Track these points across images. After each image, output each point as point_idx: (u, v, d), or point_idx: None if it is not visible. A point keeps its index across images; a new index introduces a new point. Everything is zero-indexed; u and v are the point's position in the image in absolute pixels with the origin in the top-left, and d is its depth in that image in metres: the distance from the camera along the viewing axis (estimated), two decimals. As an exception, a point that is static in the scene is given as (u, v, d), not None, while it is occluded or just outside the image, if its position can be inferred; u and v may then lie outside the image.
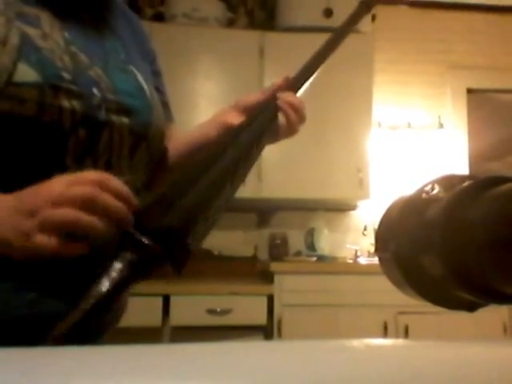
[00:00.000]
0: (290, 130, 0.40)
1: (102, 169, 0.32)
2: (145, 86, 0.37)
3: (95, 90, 0.33)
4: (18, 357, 0.13)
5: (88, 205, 0.26)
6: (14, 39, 0.30)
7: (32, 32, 0.31)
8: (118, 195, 0.27)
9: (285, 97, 0.40)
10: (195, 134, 0.43)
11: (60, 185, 0.27)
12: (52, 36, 0.32)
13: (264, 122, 0.38)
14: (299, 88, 0.42)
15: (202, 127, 0.43)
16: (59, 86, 0.31)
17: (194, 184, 0.30)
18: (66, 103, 0.31)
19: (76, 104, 0.31)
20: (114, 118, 0.33)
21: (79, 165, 0.31)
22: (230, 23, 1.55)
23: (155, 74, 0.43)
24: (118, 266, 0.27)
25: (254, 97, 0.41)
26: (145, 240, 0.27)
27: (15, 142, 0.30)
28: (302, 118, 0.41)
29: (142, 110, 0.36)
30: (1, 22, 0.30)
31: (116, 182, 0.27)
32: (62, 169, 0.30)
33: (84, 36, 0.35)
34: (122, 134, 0.34)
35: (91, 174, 0.27)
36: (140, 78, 0.37)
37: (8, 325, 0.29)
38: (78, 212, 0.26)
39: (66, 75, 0.31)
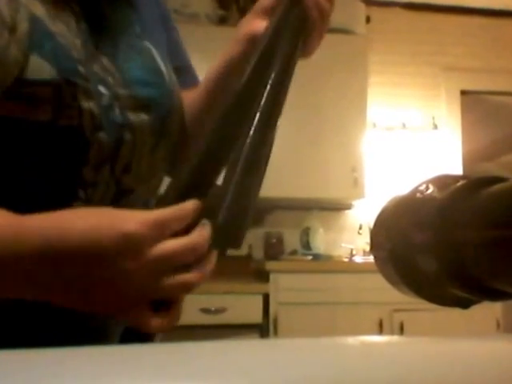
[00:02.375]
0: (315, 32, 0.30)
1: (119, 174, 0.28)
2: (163, 69, 0.31)
3: (102, 88, 0.28)
4: (19, 358, 0.13)
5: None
6: (24, 24, 0.25)
7: (40, 10, 0.26)
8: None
9: None
10: (217, 65, 0.33)
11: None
12: (60, 10, 0.27)
13: (291, 22, 0.29)
14: None
15: (225, 49, 0.33)
16: (76, 83, 0.26)
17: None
18: (85, 104, 0.26)
19: (92, 105, 0.27)
20: (132, 117, 0.29)
21: (96, 172, 0.27)
22: (222, 20, 1.51)
23: (170, 30, 0.36)
24: None
25: None
26: None
27: (27, 151, 0.26)
28: (325, 14, 0.30)
29: (161, 101, 0.30)
30: None
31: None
32: (79, 180, 0.27)
33: (94, 7, 0.29)
34: (143, 135, 0.29)
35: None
36: (157, 57, 0.31)
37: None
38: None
39: (81, 69, 0.27)
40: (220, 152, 0.26)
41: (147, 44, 0.32)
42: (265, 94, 0.26)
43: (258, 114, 0.26)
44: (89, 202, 0.28)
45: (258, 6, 0.33)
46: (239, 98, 0.27)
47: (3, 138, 0.26)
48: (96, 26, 0.29)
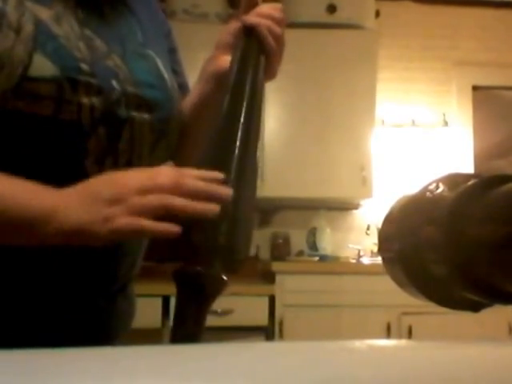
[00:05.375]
0: (274, 56, 0.33)
1: (122, 169, 0.30)
2: (165, 75, 0.34)
3: (114, 83, 0.30)
4: (20, 358, 0.13)
5: (174, 191, 0.24)
6: (28, 26, 0.27)
7: (45, 15, 0.28)
8: (196, 193, 0.25)
9: (259, 13, 0.33)
10: (193, 96, 0.38)
11: (138, 177, 0.25)
12: (65, 17, 0.29)
13: (249, 56, 0.32)
14: None
15: (197, 83, 0.37)
16: (78, 80, 0.28)
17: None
18: (84, 99, 0.28)
19: (95, 100, 0.29)
20: (135, 114, 0.31)
21: (99, 166, 0.29)
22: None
23: (171, 52, 0.39)
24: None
25: (229, 29, 0.35)
26: (191, 269, 0.26)
27: (30, 143, 0.28)
28: (278, 38, 0.33)
29: (163, 104, 0.33)
30: (12, 3, 0.27)
31: (192, 182, 0.25)
32: (81, 171, 0.29)
33: (98, 15, 0.32)
34: (143, 131, 0.31)
35: (168, 171, 0.26)
36: (160, 64, 0.34)
37: None
38: (169, 195, 0.24)
39: (84, 67, 0.29)
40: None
41: (150, 52, 0.34)
42: (241, 124, 0.30)
43: (238, 142, 0.29)
44: None
45: (219, 43, 0.36)
46: (221, 132, 0.30)
47: (8, 130, 0.28)
48: (101, 32, 0.31)
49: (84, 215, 0.25)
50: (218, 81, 0.34)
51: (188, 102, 0.38)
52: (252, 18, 0.34)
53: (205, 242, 0.27)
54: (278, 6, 0.35)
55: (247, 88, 0.31)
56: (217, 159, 0.29)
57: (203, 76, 0.37)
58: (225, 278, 0.27)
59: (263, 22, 0.33)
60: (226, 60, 0.34)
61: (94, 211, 0.25)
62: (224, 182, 0.26)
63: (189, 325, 0.26)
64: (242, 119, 0.30)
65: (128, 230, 0.24)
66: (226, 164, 0.28)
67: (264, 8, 0.34)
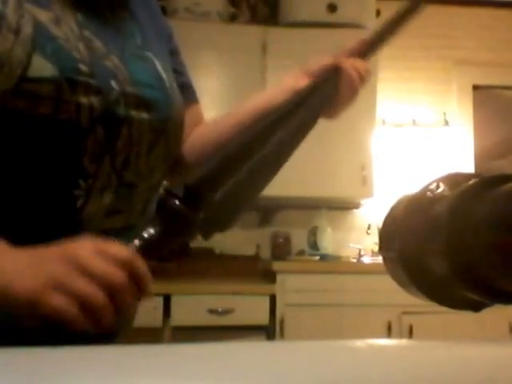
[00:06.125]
0: (343, 100, 0.39)
1: (119, 168, 0.31)
2: (164, 76, 0.35)
3: (113, 83, 0.30)
4: (22, 357, 0.13)
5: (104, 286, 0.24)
6: (28, 28, 0.28)
7: (44, 17, 0.29)
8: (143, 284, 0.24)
9: (352, 63, 0.39)
10: (256, 104, 0.40)
11: (86, 251, 0.24)
12: (64, 19, 0.30)
13: (325, 89, 0.38)
14: (371, 54, 0.41)
15: (273, 90, 0.41)
16: (76, 81, 0.29)
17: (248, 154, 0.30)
18: (83, 99, 0.29)
19: (94, 100, 0.29)
20: (134, 113, 0.31)
21: (97, 165, 0.30)
22: (233, 18, 1.53)
23: (173, 54, 0.40)
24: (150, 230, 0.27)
25: (322, 61, 0.40)
26: (175, 203, 0.27)
27: (29, 141, 0.28)
28: (355, 89, 0.39)
29: (162, 104, 0.33)
30: (11, 5, 0.28)
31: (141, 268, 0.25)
32: (79, 169, 0.29)
33: (97, 18, 0.32)
34: (141, 131, 0.32)
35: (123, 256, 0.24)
36: (159, 66, 0.35)
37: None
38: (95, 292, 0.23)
39: (83, 67, 0.29)
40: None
41: (149, 54, 0.35)
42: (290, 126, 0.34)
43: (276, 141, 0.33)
44: (89, 191, 0.30)
45: (307, 69, 0.40)
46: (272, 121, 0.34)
47: (7, 129, 0.28)
48: (100, 33, 0.32)
49: (29, 281, 0.23)
50: (292, 95, 0.38)
51: (259, 103, 0.40)
52: (345, 63, 0.39)
53: (204, 191, 0.28)
54: (367, 67, 0.40)
55: (308, 108, 0.36)
56: (253, 140, 0.32)
57: (280, 88, 0.40)
58: (204, 230, 0.28)
59: (350, 71, 0.39)
60: (303, 82, 0.38)
61: (42, 279, 0.23)
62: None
63: (153, 246, 0.26)
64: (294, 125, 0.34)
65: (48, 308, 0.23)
66: (258, 145, 0.31)
67: (357, 63, 0.40)
